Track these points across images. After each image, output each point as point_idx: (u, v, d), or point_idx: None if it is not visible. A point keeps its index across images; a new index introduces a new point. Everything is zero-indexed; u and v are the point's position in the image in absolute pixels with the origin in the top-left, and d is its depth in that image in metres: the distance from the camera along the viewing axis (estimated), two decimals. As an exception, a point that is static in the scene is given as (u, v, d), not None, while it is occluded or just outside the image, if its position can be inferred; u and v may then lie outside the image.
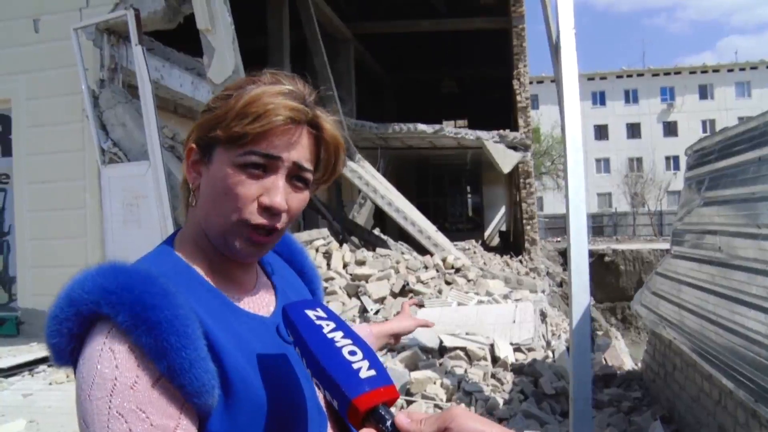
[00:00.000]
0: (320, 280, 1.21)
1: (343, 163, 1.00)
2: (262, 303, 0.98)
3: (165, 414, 0.78)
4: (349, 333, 0.85)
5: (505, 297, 8.98)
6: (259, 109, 0.87)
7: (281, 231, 0.93)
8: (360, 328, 1.45)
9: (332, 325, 0.86)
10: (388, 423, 0.76)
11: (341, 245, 10.18)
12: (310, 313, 0.87)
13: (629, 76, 46.62)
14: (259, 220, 0.89)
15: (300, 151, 0.91)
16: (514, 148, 15.88)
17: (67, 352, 0.82)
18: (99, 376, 0.77)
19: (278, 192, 0.89)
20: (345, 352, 0.81)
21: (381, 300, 8.12)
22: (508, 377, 5.75)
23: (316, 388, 0.95)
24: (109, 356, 0.78)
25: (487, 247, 18.59)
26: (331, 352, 0.81)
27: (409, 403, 5.04)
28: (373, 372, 0.79)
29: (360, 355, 0.81)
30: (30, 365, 6.46)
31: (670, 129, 45.60)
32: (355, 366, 0.80)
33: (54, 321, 0.81)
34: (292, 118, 0.89)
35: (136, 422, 0.75)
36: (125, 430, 0.75)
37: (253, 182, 0.88)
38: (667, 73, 46.27)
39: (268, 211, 0.89)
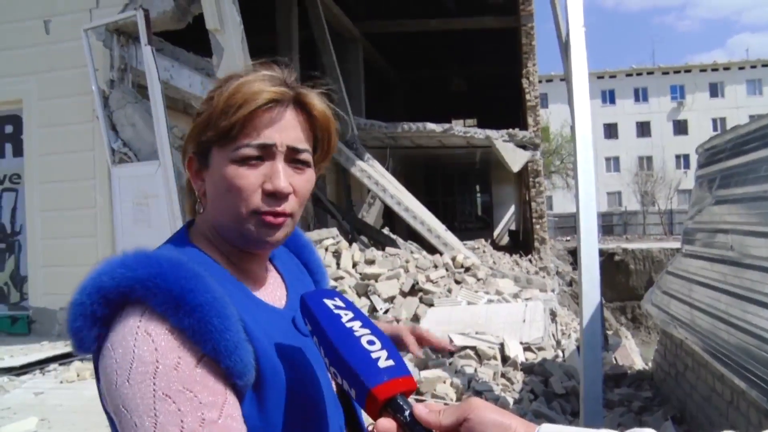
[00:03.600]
0: (326, 274, 1.20)
1: (337, 134, 1.00)
2: (274, 296, 0.99)
3: (212, 391, 0.77)
4: (367, 323, 0.85)
5: (515, 296, 8.95)
6: (239, 98, 0.87)
7: (294, 216, 0.93)
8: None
9: (351, 314, 0.85)
10: (407, 413, 0.76)
11: (351, 244, 10.18)
12: (329, 302, 0.87)
13: (639, 74, 46.34)
14: (266, 207, 0.89)
15: (292, 133, 0.91)
16: (524, 146, 15.84)
17: (91, 337, 0.80)
18: (138, 360, 0.76)
19: (279, 175, 0.89)
20: (364, 341, 0.81)
21: (390, 299, 8.11)
22: (518, 377, 5.74)
23: (332, 381, 0.96)
24: (146, 339, 0.77)
25: (497, 246, 18.53)
26: (350, 342, 0.81)
27: (418, 402, 5.04)
28: (391, 362, 0.79)
29: (378, 345, 0.81)
30: (41, 364, 6.49)
31: (681, 127, 45.31)
32: (374, 355, 0.79)
33: (79, 307, 0.80)
34: (274, 100, 0.89)
35: (184, 402, 0.75)
36: (174, 410, 0.74)
37: (252, 172, 0.88)
38: (677, 71, 45.97)
39: (273, 196, 0.89)
